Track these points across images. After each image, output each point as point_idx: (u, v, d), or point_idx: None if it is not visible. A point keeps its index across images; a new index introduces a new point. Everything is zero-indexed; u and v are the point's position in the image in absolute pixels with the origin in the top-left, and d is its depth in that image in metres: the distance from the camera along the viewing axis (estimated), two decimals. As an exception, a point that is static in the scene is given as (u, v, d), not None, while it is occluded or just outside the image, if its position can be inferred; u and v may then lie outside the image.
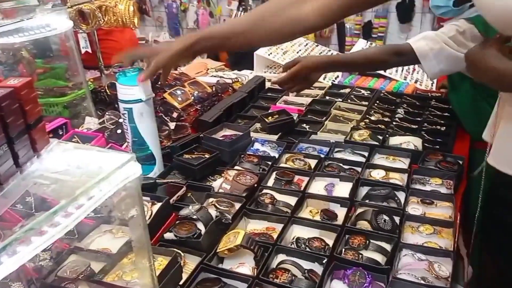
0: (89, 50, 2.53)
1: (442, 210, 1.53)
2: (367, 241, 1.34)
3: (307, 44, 3.34)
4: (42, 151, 0.88)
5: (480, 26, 1.87)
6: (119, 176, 0.87)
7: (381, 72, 2.84)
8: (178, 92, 2.34)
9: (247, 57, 3.08)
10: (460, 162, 1.78)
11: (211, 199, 1.59)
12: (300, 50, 3.18)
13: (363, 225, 1.44)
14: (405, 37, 5.04)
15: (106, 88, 2.38)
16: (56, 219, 0.75)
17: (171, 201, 1.58)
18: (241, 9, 5.48)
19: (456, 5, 2.21)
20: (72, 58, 2.18)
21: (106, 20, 2.35)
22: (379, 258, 1.31)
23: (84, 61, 2.31)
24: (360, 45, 3.14)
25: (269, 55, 3.01)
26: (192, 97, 2.35)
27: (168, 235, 1.41)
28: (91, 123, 2.12)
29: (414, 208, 1.54)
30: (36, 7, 1.93)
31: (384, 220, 1.42)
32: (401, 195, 1.60)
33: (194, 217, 1.44)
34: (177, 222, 1.45)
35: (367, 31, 5.12)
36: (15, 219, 1.08)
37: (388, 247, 1.35)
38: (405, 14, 4.96)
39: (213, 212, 1.50)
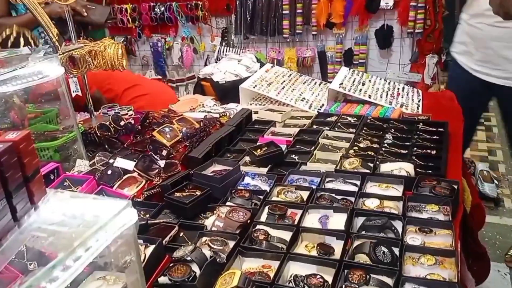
0: (80, 93, 2.52)
1: (442, 239, 1.50)
2: (367, 276, 1.31)
3: (290, 74, 3.35)
4: (39, 202, 0.88)
5: None
6: (116, 224, 0.88)
7: (366, 98, 2.84)
8: (167, 129, 2.34)
9: (233, 91, 3.07)
10: (455, 186, 1.76)
11: (204, 238, 1.56)
12: (284, 81, 3.18)
13: (362, 258, 1.41)
14: (386, 62, 5.10)
15: (96, 129, 2.37)
16: (54, 274, 0.75)
17: (164, 242, 1.55)
18: (224, 44, 5.53)
19: None
20: (63, 102, 2.17)
21: (96, 64, 2.36)
22: (381, 293, 1.28)
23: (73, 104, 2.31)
24: (343, 73, 3.15)
25: (254, 87, 3.00)
26: (181, 134, 2.34)
27: (163, 279, 1.37)
28: (81, 165, 2.10)
29: (413, 237, 1.51)
30: (29, 55, 1.93)
31: (383, 252, 1.39)
32: (398, 224, 1.57)
33: (188, 258, 1.41)
34: (171, 264, 1.42)
35: (348, 58, 5.16)
36: (13, 274, 1.05)
37: (389, 281, 1.32)
38: (384, 40, 5.01)
39: (207, 252, 1.47)
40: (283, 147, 2.20)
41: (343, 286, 1.30)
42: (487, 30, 2.79)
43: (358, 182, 1.86)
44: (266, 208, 1.72)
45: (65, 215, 0.88)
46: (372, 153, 2.13)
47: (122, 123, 2.46)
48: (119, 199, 0.93)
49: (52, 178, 1.94)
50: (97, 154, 2.18)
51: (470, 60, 3.01)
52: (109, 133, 2.40)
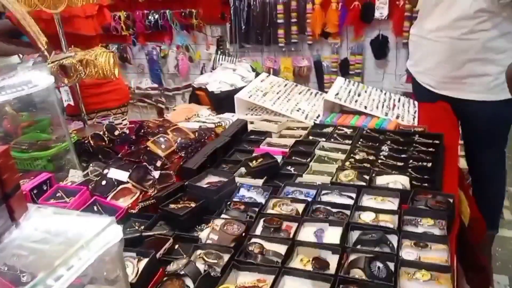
0: (72, 103, 2.51)
1: (438, 254, 1.50)
2: (363, 291, 1.30)
3: (286, 84, 3.34)
4: (21, 219, 0.86)
5: None
6: (99, 242, 0.86)
7: (362, 109, 2.84)
8: (161, 139, 2.32)
9: (228, 101, 3.06)
10: (451, 200, 1.75)
11: (199, 251, 1.55)
12: (280, 91, 3.17)
13: (357, 273, 1.40)
14: (382, 73, 5.11)
15: (90, 139, 2.35)
16: (35, 294, 0.73)
17: (158, 255, 1.54)
18: (219, 52, 5.52)
19: None
20: (55, 112, 2.15)
21: (87, 72, 2.34)
22: (377, 309, 1.27)
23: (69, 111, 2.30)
24: (339, 84, 3.14)
25: (249, 97, 2.99)
26: (176, 144, 2.33)
27: (156, 294, 1.36)
28: (75, 175, 2.08)
29: (408, 252, 1.50)
30: (18, 65, 1.92)
31: (378, 267, 1.38)
32: (393, 238, 1.56)
33: (182, 272, 1.40)
34: (165, 279, 1.41)
35: (344, 68, 5.17)
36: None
37: (385, 296, 1.31)
38: (380, 50, 5.02)
39: (201, 265, 1.46)
40: (279, 158, 2.19)
41: (339, 302, 1.29)
42: (453, 44, 2.78)
43: (354, 195, 1.85)
44: (261, 221, 1.71)
45: (48, 232, 0.87)
46: (368, 165, 2.12)
47: (116, 132, 2.45)
48: (103, 216, 0.91)
49: (45, 188, 1.93)
50: (91, 165, 2.16)
51: (432, 78, 3.00)
52: (103, 143, 2.38)
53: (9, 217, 0.83)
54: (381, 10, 4.80)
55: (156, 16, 5.64)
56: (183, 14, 5.54)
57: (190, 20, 5.54)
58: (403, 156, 2.19)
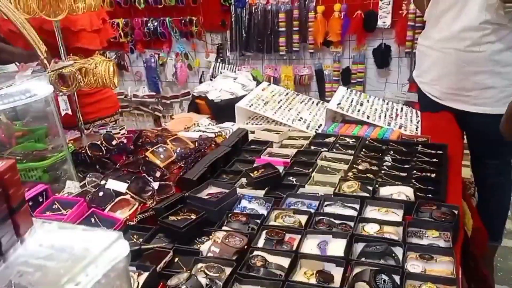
0: (69, 112, 2.48)
1: (443, 266, 1.47)
2: (369, 307, 1.27)
3: (287, 93, 3.32)
4: (26, 234, 0.84)
5: None
6: (107, 258, 0.83)
7: (364, 119, 2.81)
8: (160, 150, 2.29)
9: (228, 110, 3.03)
10: (455, 211, 1.72)
11: (200, 265, 1.52)
12: (281, 100, 3.14)
13: (362, 286, 1.36)
14: (384, 82, 5.08)
15: (87, 149, 2.31)
16: (42, 312, 0.71)
17: (158, 268, 1.50)
18: (219, 60, 5.49)
19: None
20: (52, 121, 2.12)
21: (86, 81, 2.32)
22: (383, 325, 1.24)
23: (63, 121, 2.27)
24: (341, 93, 3.11)
25: (250, 106, 2.96)
26: (175, 154, 2.29)
27: (156, 310, 1.33)
28: (72, 187, 2.05)
29: (414, 264, 1.47)
30: (16, 73, 1.89)
31: (384, 281, 1.35)
32: (398, 251, 1.53)
33: (183, 287, 1.36)
34: (166, 293, 1.37)
35: (346, 77, 5.14)
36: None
37: (392, 312, 1.28)
38: (382, 59, 5.00)
39: (202, 279, 1.43)
40: (281, 168, 2.16)
41: (344, 318, 1.26)
42: (458, 56, 2.75)
43: (357, 206, 1.82)
44: (264, 233, 1.68)
45: (53, 248, 0.84)
46: (371, 176, 2.09)
47: (114, 142, 2.41)
48: (109, 231, 0.89)
49: (40, 200, 1.89)
50: (88, 175, 2.12)
51: (437, 89, 2.96)
52: (101, 153, 2.35)
53: (15, 233, 0.81)
54: (384, 19, 4.78)
55: (156, 23, 5.62)
56: (182, 21, 5.52)
57: (190, 28, 5.52)
58: (406, 166, 2.16)
